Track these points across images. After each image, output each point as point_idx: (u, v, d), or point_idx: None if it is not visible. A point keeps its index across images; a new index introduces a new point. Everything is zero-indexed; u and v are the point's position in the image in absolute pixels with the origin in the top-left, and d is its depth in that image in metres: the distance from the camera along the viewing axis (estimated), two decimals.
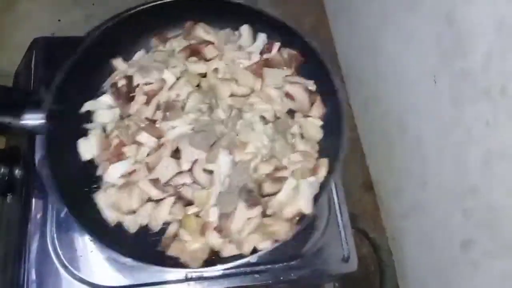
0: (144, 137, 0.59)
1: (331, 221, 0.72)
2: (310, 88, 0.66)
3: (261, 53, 0.66)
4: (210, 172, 0.58)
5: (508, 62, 0.59)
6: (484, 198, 0.65)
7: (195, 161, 0.58)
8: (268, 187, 0.58)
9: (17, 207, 0.66)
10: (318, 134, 0.65)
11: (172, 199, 0.57)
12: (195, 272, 0.65)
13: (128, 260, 0.54)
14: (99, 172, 0.60)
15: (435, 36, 0.73)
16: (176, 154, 0.60)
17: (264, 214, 0.59)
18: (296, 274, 0.67)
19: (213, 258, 0.58)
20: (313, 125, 0.64)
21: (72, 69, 0.59)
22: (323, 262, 0.69)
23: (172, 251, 0.56)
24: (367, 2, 0.96)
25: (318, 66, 0.65)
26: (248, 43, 0.67)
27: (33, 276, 0.61)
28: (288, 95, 0.64)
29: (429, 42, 0.74)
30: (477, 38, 0.63)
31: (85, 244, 0.64)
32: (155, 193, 0.57)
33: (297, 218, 0.59)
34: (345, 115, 0.63)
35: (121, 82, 0.60)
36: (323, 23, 1.17)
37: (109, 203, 0.57)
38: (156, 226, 0.58)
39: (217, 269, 0.64)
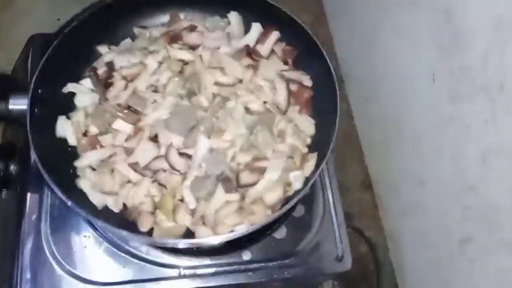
0: (120, 125, 0.58)
1: (325, 219, 0.72)
2: (305, 83, 0.65)
3: (257, 42, 0.65)
4: (188, 156, 0.57)
5: (507, 58, 0.58)
6: (482, 195, 0.65)
7: (170, 146, 0.57)
8: (245, 177, 0.57)
9: (12, 203, 0.67)
10: (310, 129, 0.64)
11: (149, 181, 0.57)
12: (188, 269, 0.66)
13: (119, 231, 0.53)
14: (76, 163, 0.59)
15: (434, 33, 0.72)
16: (156, 139, 0.59)
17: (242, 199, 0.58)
18: (290, 272, 0.67)
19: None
20: (306, 120, 0.64)
21: (56, 54, 0.59)
22: (317, 260, 0.69)
23: (144, 227, 0.56)
24: (366, 0, 0.96)
25: (314, 55, 0.64)
26: (237, 31, 0.66)
27: (27, 271, 0.62)
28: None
29: (428, 39, 0.74)
30: (476, 34, 0.63)
31: (80, 240, 0.65)
32: (133, 176, 0.57)
33: (279, 205, 0.58)
34: (338, 98, 0.60)
35: (102, 68, 0.60)
36: (321, 23, 1.18)
37: (92, 187, 0.57)
38: (133, 207, 0.57)
39: (210, 267, 0.65)
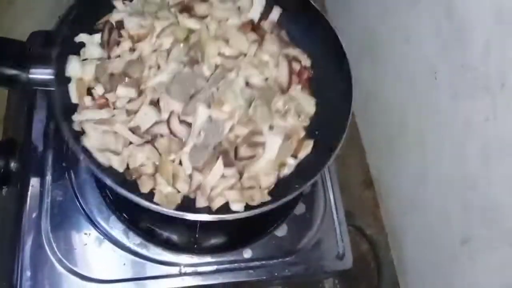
0: (122, 91, 0.58)
1: (326, 218, 0.73)
2: (303, 63, 0.65)
3: (261, 17, 0.66)
4: (188, 124, 0.58)
5: (508, 56, 0.58)
6: (484, 193, 0.65)
7: (172, 112, 0.57)
8: (243, 151, 0.58)
9: (13, 199, 0.67)
10: (311, 109, 0.64)
11: (149, 145, 0.57)
12: (189, 267, 0.66)
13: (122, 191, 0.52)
14: (74, 117, 0.58)
15: (435, 30, 0.72)
16: (156, 104, 0.59)
17: (241, 176, 0.59)
18: (290, 270, 0.68)
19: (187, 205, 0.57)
20: (307, 99, 0.64)
21: (77, 18, 0.60)
22: (317, 258, 0.70)
23: (144, 188, 0.56)
24: None
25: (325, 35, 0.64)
26: (247, 4, 0.67)
27: (27, 268, 0.62)
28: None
29: (429, 37, 0.74)
30: (477, 30, 0.63)
31: (80, 238, 0.65)
32: (134, 139, 0.57)
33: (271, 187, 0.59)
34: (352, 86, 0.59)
35: (111, 24, 0.61)
36: None
37: (96, 146, 0.57)
38: (134, 168, 0.58)
39: (211, 264, 0.66)
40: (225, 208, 0.57)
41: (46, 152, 0.70)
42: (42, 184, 0.66)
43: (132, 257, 0.64)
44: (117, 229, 0.65)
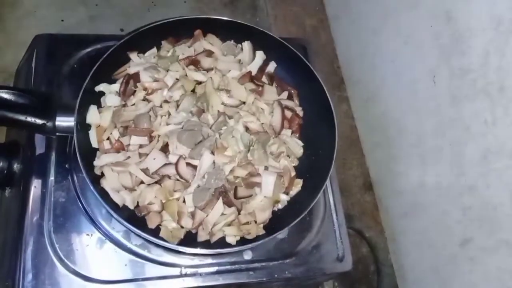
0: (134, 139, 0.65)
1: (326, 220, 0.74)
2: (298, 113, 0.74)
3: (260, 69, 0.74)
4: (193, 166, 0.64)
5: (506, 60, 0.59)
6: (483, 196, 0.65)
7: (180, 157, 0.64)
8: (242, 191, 0.65)
9: (15, 200, 0.68)
10: (299, 151, 0.72)
11: (158, 186, 0.64)
12: (190, 268, 0.67)
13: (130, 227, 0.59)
14: (95, 162, 0.64)
15: (434, 35, 0.73)
16: (166, 147, 0.66)
17: (239, 212, 0.66)
18: (290, 272, 0.68)
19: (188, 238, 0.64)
20: (296, 142, 0.72)
21: (97, 70, 0.66)
22: (317, 260, 0.71)
23: (152, 224, 0.63)
24: (368, 3, 0.97)
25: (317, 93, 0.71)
26: (247, 58, 0.74)
27: (29, 268, 0.62)
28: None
29: (428, 41, 0.75)
30: (476, 36, 0.64)
31: (82, 239, 0.65)
32: (146, 179, 0.63)
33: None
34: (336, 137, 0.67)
35: (129, 77, 0.67)
36: (323, 25, 1.20)
37: (112, 186, 0.63)
38: (144, 206, 0.64)
39: (211, 266, 0.67)
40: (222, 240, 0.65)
41: (49, 154, 0.71)
42: (44, 186, 0.67)
43: (133, 258, 0.65)
44: (118, 231, 0.66)
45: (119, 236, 0.66)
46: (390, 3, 0.88)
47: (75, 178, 0.69)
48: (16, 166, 0.68)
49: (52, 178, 0.68)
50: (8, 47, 0.77)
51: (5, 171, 0.67)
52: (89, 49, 0.78)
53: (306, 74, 0.74)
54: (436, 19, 0.72)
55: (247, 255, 0.69)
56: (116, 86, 0.69)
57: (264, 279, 0.68)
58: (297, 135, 0.74)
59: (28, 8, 0.83)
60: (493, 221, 0.63)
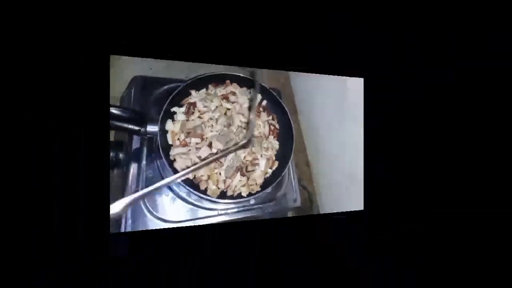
0: (193, 140, 0.91)
1: (289, 182, 1.05)
2: (276, 127, 1.05)
3: (259, 103, 1.04)
4: (225, 155, 0.89)
5: None
6: None
7: (218, 149, 0.88)
8: (250, 168, 0.92)
9: (120, 177, 0.87)
10: (276, 147, 1.02)
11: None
12: (222, 210, 0.92)
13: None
14: (171, 152, 0.89)
15: None
16: (210, 144, 0.90)
17: (248, 179, 0.93)
18: (272, 209, 0.96)
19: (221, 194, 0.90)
20: (275, 142, 1.02)
21: (172, 99, 0.90)
22: (285, 202, 1.00)
23: (202, 187, 0.89)
24: None
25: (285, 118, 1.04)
26: (253, 96, 1.01)
27: (129, 216, 0.83)
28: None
29: None
30: None
31: (162, 197, 0.88)
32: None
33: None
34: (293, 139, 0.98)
35: (190, 103, 0.94)
36: (287, 83, 1.38)
37: (180, 167, 0.86)
38: (198, 177, 0.89)
39: (234, 208, 0.94)
40: (239, 194, 0.90)
41: (142, 148, 0.91)
42: (139, 167, 0.87)
43: (192, 207, 0.88)
44: (183, 192, 0.90)
45: (184, 194, 0.89)
46: None
47: (158, 162, 0.89)
48: (121, 156, 0.88)
49: (144, 162, 0.89)
50: (116, 82, 0.93)
51: (114, 158, 0.86)
52: (166, 87, 1.01)
53: (280, 107, 1.01)
54: None
55: (252, 201, 0.95)
56: (182, 109, 0.93)
57: (260, 213, 0.95)
58: (276, 138, 1.02)
59: (129, 58, 0.96)
60: None
